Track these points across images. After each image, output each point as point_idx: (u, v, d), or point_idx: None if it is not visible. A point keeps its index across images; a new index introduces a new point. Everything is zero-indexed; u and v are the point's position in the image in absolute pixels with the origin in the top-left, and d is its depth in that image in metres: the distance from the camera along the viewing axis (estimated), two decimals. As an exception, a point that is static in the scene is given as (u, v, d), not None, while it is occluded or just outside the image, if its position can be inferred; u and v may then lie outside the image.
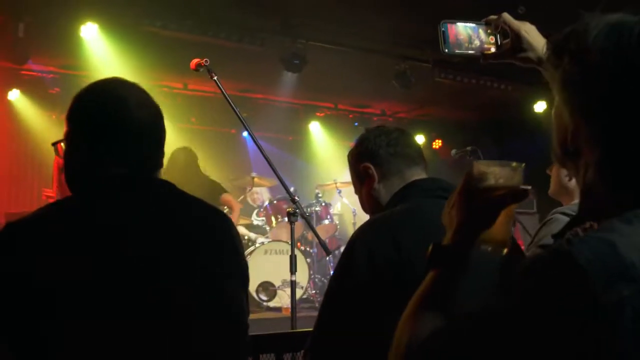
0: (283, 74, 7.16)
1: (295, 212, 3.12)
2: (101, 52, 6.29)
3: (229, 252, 1.56)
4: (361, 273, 1.65)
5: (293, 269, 3.12)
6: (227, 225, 1.61)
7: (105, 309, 1.31)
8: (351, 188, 7.87)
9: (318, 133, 9.41)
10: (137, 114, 1.50)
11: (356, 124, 9.41)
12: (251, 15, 6.12)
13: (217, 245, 1.53)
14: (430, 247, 1.16)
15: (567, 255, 0.92)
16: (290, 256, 3.14)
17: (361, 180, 2.00)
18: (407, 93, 7.54)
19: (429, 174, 1.99)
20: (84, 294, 1.30)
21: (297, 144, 9.48)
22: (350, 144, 7.78)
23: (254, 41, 6.37)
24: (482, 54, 1.58)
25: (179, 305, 1.38)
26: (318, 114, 9.29)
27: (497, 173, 1.14)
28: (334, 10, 5.88)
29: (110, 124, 1.50)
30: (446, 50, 1.54)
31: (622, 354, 0.88)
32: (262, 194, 7.40)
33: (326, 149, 9.37)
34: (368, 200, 1.99)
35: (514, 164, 1.13)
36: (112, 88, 1.54)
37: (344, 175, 8.65)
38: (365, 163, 1.97)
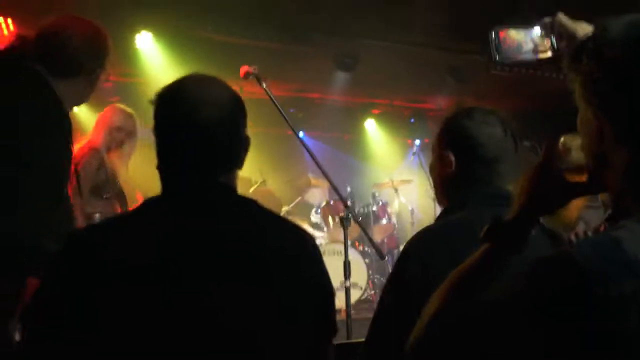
0: (336, 73, 7.15)
1: (348, 216, 3.11)
2: (156, 59, 6.42)
3: (311, 289, 1.48)
4: (413, 285, 1.60)
5: (347, 275, 3.11)
6: (309, 252, 1.52)
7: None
8: (408, 187, 7.71)
9: (374, 131, 9.36)
10: (204, 114, 1.42)
11: (412, 120, 9.31)
12: (301, 15, 6.13)
13: (297, 281, 1.44)
14: (491, 220, 1.15)
15: (565, 253, 0.91)
16: (344, 262, 3.12)
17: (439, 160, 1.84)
18: (462, 87, 7.42)
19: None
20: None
21: (353, 142, 9.44)
22: (408, 140, 7.63)
23: (305, 42, 6.38)
24: (537, 60, 1.50)
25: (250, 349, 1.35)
26: (374, 111, 9.23)
27: (580, 151, 1.11)
28: (383, 6, 5.83)
29: (173, 127, 1.45)
30: (497, 58, 1.47)
31: (624, 348, 0.85)
32: (319, 194, 7.41)
33: (382, 147, 9.31)
34: (440, 184, 1.86)
35: None
36: (182, 88, 1.47)
37: (401, 173, 8.60)
38: (449, 153, 1.79)
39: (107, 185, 3.84)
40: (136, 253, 1.32)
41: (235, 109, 1.50)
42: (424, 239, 1.73)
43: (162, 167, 1.46)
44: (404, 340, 1.19)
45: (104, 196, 3.82)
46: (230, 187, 1.48)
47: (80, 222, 3.39)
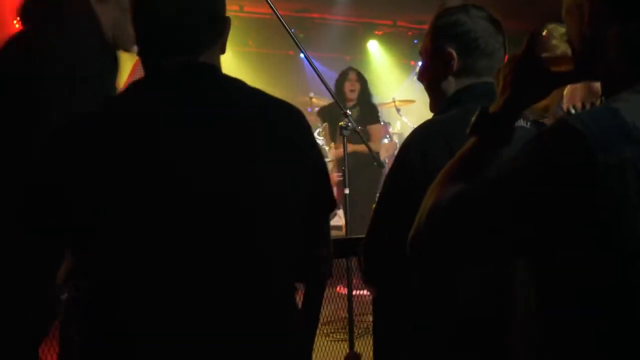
0: (339, -8, 7.04)
1: (347, 125, 3.12)
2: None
3: (304, 163, 1.50)
4: (415, 172, 1.64)
5: (345, 183, 3.16)
6: (295, 120, 1.54)
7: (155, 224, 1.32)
8: (411, 107, 7.61)
9: (376, 52, 9.26)
10: None
11: (415, 41, 9.20)
12: None
13: (289, 154, 1.46)
14: (477, 113, 1.15)
15: (565, 122, 0.94)
16: (343, 170, 3.17)
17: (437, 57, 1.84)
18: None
19: None
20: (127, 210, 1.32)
21: (355, 63, 9.31)
22: (411, 62, 7.48)
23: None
24: None
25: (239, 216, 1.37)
26: (376, 32, 9.13)
27: (562, 41, 1.11)
28: None
29: (148, 8, 1.44)
30: None
31: (622, 213, 0.88)
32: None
33: (385, 68, 9.23)
34: (436, 85, 1.85)
35: None
36: None
37: (403, 93, 8.56)
38: (449, 48, 1.79)
39: None
40: (124, 135, 1.35)
41: None
42: (423, 130, 1.77)
43: (142, 52, 1.47)
44: (404, 221, 1.23)
45: None
46: (213, 66, 1.48)
47: None
